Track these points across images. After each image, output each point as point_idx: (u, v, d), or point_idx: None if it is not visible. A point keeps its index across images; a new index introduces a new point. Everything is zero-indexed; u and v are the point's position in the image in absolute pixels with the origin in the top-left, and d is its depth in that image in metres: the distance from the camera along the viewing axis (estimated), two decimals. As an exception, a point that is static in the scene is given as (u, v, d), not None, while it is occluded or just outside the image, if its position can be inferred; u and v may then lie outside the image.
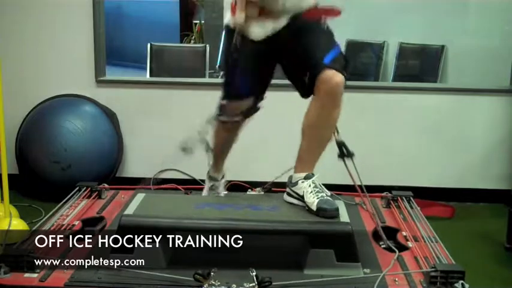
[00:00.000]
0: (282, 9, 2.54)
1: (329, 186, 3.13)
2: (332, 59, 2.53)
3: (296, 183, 2.62)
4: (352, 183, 2.81)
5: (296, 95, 2.62)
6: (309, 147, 2.64)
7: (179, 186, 3.30)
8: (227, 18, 2.66)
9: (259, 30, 2.56)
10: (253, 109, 2.75)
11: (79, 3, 3.91)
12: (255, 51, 2.60)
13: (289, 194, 2.68)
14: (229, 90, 2.72)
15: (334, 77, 2.50)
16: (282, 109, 3.49)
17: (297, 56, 2.58)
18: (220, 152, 2.97)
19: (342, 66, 2.54)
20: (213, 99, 2.80)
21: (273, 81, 2.73)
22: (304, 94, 2.61)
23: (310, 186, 2.57)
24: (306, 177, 2.60)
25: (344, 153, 2.73)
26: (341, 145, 2.72)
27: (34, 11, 3.93)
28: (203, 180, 3.34)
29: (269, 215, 2.55)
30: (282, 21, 2.55)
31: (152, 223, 2.35)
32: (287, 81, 2.66)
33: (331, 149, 2.85)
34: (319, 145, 2.64)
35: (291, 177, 2.69)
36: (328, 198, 2.53)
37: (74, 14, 3.93)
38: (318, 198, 2.51)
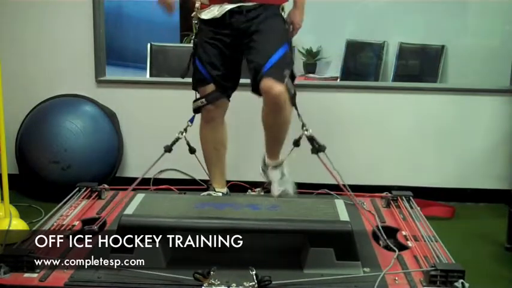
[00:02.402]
0: None
1: (327, 186, 3.15)
2: (272, 65, 2.63)
3: (267, 168, 2.96)
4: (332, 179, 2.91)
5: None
6: (270, 141, 2.88)
7: (173, 187, 3.29)
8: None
9: (207, 12, 2.80)
10: (217, 96, 2.89)
11: (79, 3, 3.90)
12: (211, 34, 2.79)
13: (263, 170, 3.01)
14: (194, 75, 2.92)
15: (273, 87, 2.61)
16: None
17: (248, 50, 2.72)
18: (210, 158, 3.04)
19: (281, 74, 2.63)
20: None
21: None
22: (253, 90, 2.76)
23: (277, 176, 2.90)
24: (275, 167, 2.91)
25: (315, 147, 2.83)
26: (311, 140, 2.84)
27: (34, 11, 3.93)
28: (203, 180, 3.34)
29: (269, 214, 2.56)
30: (228, 6, 2.72)
31: (152, 223, 2.36)
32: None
33: (329, 149, 2.86)
34: (276, 140, 2.87)
35: (264, 157, 2.98)
36: (289, 192, 2.86)
37: (74, 14, 3.93)
38: (279, 190, 2.88)
